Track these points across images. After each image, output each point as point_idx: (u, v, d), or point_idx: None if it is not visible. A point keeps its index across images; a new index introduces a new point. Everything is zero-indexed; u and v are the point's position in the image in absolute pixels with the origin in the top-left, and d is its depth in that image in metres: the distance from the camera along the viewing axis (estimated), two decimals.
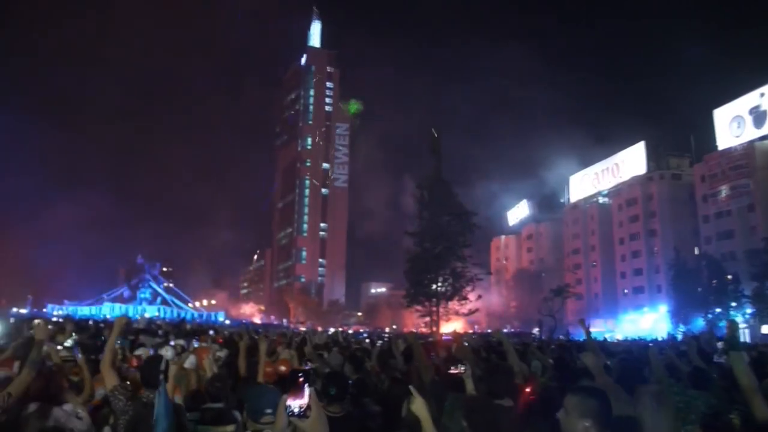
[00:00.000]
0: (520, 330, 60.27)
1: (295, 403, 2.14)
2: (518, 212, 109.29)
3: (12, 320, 18.59)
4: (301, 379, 2.18)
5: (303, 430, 2.18)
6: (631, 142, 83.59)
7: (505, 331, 56.18)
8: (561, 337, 33.29)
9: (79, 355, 6.27)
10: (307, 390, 2.16)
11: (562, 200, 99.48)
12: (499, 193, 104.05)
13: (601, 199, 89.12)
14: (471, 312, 52.16)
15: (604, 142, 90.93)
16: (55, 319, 30.94)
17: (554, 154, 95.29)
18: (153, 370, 4.70)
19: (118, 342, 6.76)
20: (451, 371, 4.28)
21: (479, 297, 52.49)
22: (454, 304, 51.59)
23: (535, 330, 49.37)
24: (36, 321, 7.50)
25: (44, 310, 69.36)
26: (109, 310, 74.46)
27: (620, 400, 3.43)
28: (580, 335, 33.40)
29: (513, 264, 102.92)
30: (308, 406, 2.14)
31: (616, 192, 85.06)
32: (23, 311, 62.59)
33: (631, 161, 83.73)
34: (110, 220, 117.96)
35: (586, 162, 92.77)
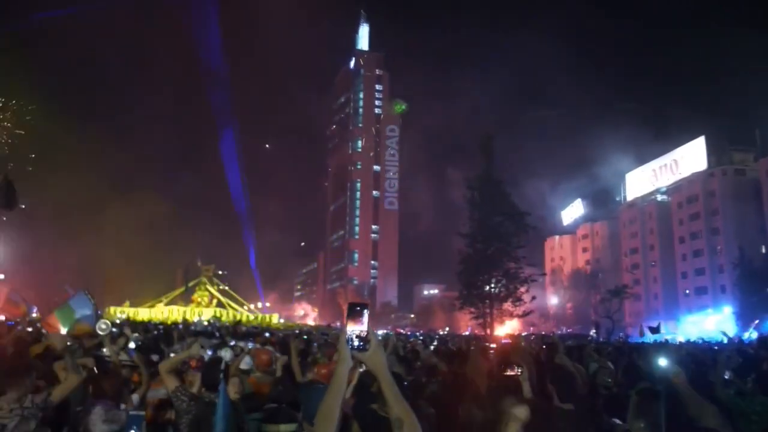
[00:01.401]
0: (577, 332, 59.00)
1: (355, 330, 2.14)
2: (572, 211, 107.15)
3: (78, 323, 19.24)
4: (358, 310, 2.18)
5: (363, 361, 2.19)
6: (690, 136, 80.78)
7: (560, 332, 55.30)
8: (619, 338, 32.40)
9: (134, 354, 6.45)
10: (366, 318, 2.16)
11: (618, 198, 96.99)
12: (552, 192, 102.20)
13: (659, 197, 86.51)
14: (525, 314, 51.41)
15: (662, 138, 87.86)
16: (118, 321, 31.98)
17: (608, 151, 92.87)
18: (213, 371, 4.80)
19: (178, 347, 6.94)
20: (507, 373, 4.19)
21: (533, 298, 51.66)
22: (508, 306, 50.93)
23: (592, 332, 48.16)
24: (55, 333, 7.75)
25: (104, 312, 71.72)
26: (167, 313, 76.48)
27: (694, 404, 3.28)
28: (638, 337, 32.46)
29: (568, 264, 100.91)
30: (367, 339, 2.15)
31: (675, 189, 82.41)
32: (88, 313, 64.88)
33: (690, 157, 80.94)
34: (167, 222, 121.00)
35: (643, 158, 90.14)
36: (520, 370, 4.14)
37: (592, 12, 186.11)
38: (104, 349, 6.81)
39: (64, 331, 9.06)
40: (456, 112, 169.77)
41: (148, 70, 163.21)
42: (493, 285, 51.35)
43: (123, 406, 5.20)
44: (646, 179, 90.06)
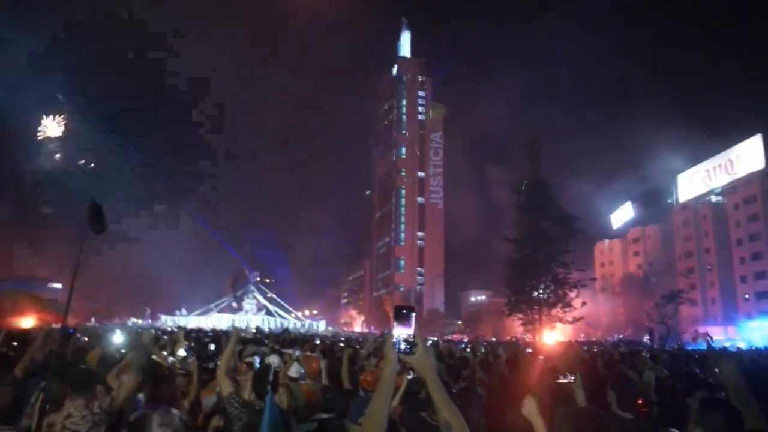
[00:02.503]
0: (630, 338, 57.47)
1: (402, 334, 2.13)
2: (622, 214, 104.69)
3: (132, 331, 19.87)
4: (405, 313, 2.17)
5: (410, 364, 2.17)
6: (745, 135, 77.98)
7: (612, 339, 54.01)
8: (675, 345, 31.42)
9: (191, 359, 6.55)
10: (413, 322, 2.14)
11: (669, 200, 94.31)
12: (601, 195, 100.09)
13: (714, 198, 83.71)
14: (576, 320, 50.46)
15: (715, 136, 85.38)
16: (168, 329, 32.73)
17: (658, 152, 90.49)
18: (263, 378, 4.84)
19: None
20: (560, 381, 4.08)
21: (584, 304, 50.62)
22: (557, 312, 50.10)
23: (646, 338, 46.85)
24: (143, 331, 7.92)
25: (159, 321, 73.69)
26: (216, 320, 78.06)
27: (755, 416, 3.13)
28: (692, 343, 31.41)
29: (619, 269, 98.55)
30: (414, 342, 2.13)
31: (731, 190, 79.61)
32: (140, 321, 66.98)
33: (747, 156, 78.09)
34: (217, 233, 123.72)
35: (695, 158, 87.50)
36: (572, 378, 4.03)
37: (639, 6, 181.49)
38: (153, 357, 6.96)
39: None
40: (500, 115, 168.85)
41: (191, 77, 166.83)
42: (541, 291, 50.64)
43: (176, 411, 5.29)
44: (699, 180, 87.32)
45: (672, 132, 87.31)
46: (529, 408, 2.89)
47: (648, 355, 12.36)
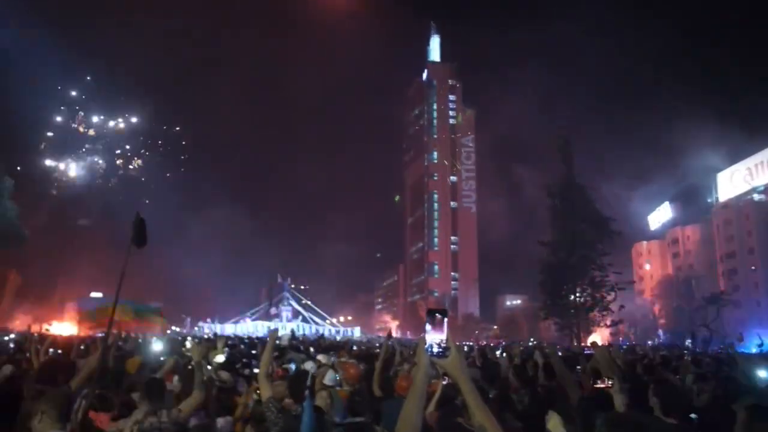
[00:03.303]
0: (670, 342, 56.25)
1: (435, 338, 2.13)
2: (660, 215, 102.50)
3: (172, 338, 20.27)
4: (438, 317, 2.17)
5: (443, 367, 2.17)
6: None
7: (652, 343, 52.91)
8: (723, 347, 30.53)
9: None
10: (445, 327, 2.14)
11: (709, 200, 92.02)
12: (637, 196, 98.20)
13: (756, 197, 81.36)
14: (614, 323, 49.61)
15: (755, 133, 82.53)
16: (206, 336, 33.19)
17: (696, 150, 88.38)
18: (300, 384, 4.88)
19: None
20: (598, 385, 4.03)
21: (622, 307, 49.76)
22: (594, 315, 49.35)
23: (688, 342, 45.74)
24: (189, 342, 8.06)
25: (196, 328, 74.83)
26: (252, 327, 78.86)
27: None
28: (744, 347, 30.49)
29: (657, 271, 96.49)
30: (447, 346, 2.13)
31: None
32: (178, 329, 68.16)
33: None
34: (249, 240, 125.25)
35: (734, 156, 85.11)
36: (611, 382, 3.96)
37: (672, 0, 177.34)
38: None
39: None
40: (531, 116, 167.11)
41: (225, 83, 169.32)
42: (578, 294, 49.93)
43: (220, 420, 5.39)
44: (740, 178, 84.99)
45: (710, 129, 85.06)
46: (554, 424, 2.87)
47: (690, 359, 12.10)
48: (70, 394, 4.14)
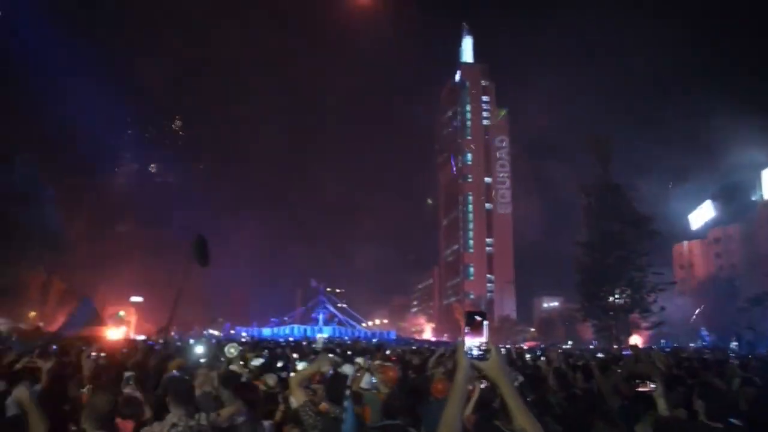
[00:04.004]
0: (714, 344, 54.81)
1: (474, 342, 2.11)
2: (702, 214, 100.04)
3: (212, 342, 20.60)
4: (478, 319, 2.14)
5: (483, 370, 2.14)
6: None
7: (695, 345, 51.64)
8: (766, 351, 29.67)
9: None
10: (485, 329, 2.12)
11: (753, 198, 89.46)
12: (677, 194, 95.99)
13: None
14: (655, 325, 48.58)
15: None
16: (243, 340, 33.64)
17: (739, 147, 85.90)
18: (338, 386, 4.90)
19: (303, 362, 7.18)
20: (639, 389, 3.94)
21: (662, 309, 48.68)
22: (634, 317, 48.40)
23: (733, 344, 44.47)
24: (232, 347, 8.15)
25: (232, 332, 75.79)
26: (289, 331, 79.56)
27: None
28: None
29: (700, 271, 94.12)
30: (487, 348, 2.10)
31: None
32: (216, 333, 69.18)
33: None
34: (284, 244, 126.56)
35: None
36: (653, 386, 3.87)
37: None
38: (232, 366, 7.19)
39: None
40: (566, 115, 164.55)
41: (255, 88, 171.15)
42: (617, 295, 49.05)
43: (267, 423, 5.44)
44: None
45: (753, 124, 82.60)
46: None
47: (737, 362, 11.77)
48: (114, 399, 4.22)
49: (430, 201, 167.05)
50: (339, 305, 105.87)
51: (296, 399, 4.53)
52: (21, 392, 3.82)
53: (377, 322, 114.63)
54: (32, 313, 53.60)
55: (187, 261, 4.45)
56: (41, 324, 46.78)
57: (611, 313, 49.21)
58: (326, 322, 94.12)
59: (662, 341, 62.00)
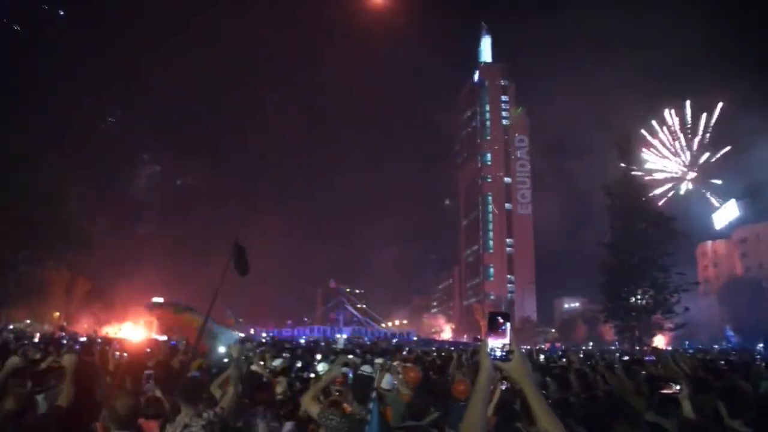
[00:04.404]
0: (740, 346, 53.97)
1: (497, 344, 2.09)
2: (726, 213, 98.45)
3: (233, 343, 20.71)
4: (500, 321, 2.12)
5: (507, 372, 2.12)
6: None
7: (719, 347, 50.87)
8: None
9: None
10: (508, 331, 2.10)
11: None
12: (702, 193, 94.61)
13: None
14: (678, 326, 47.93)
15: None
16: (263, 340, 33.77)
17: (763, 144, 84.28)
18: (364, 386, 4.90)
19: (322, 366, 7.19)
20: (664, 391, 3.88)
21: (686, 309, 48.00)
22: (657, 318, 47.79)
23: (759, 345, 43.76)
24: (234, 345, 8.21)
25: (252, 332, 76.26)
26: (309, 332, 79.87)
27: None
28: None
29: (724, 272, 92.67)
30: (510, 349, 2.08)
31: None
32: (236, 333, 69.52)
33: None
34: (305, 245, 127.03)
35: None
36: (678, 388, 3.81)
37: None
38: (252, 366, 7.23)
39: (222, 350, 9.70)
40: (587, 114, 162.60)
41: (275, 90, 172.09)
42: (639, 296, 48.49)
43: (276, 424, 5.45)
44: None
45: None
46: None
47: (763, 365, 11.57)
48: (137, 401, 4.26)
49: (447, 202, 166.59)
50: (359, 306, 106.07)
51: (312, 411, 4.52)
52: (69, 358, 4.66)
53: (396, 322, 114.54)
54: (56, 313, 54.50)
55: (223, 271, 4.48)
56: (65, 323, 47.59)
57: (633, 314, 48.67)
58: (346, 323, 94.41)
59: (686, 342, 61.18)
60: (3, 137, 46.34)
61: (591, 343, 73.65)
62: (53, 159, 46.37)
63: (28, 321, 53.00)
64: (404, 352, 15.83)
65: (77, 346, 12.93)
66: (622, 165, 52.24)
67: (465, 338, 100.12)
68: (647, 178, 53.80)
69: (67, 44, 74.31)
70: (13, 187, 40.73)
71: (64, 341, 19.71)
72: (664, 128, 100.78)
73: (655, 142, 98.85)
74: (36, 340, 19.19)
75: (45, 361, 7.29)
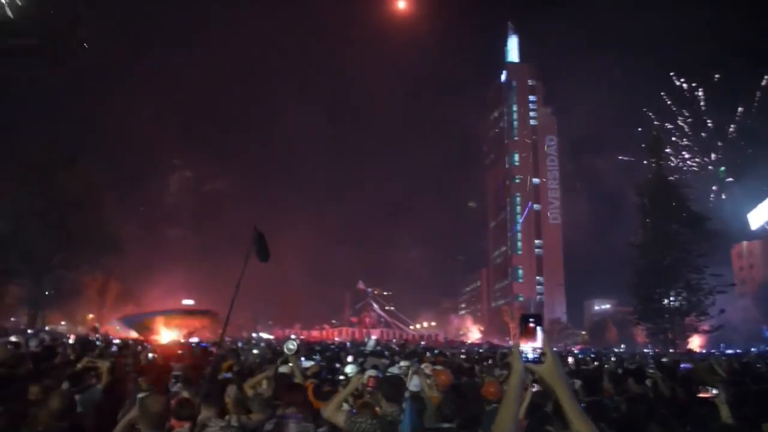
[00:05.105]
0: None
1: (528, 347, 2.07)
2: (762, 213, 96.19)
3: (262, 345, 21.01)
4: (532, 324, 2.10)
5: (539, 375, 2.09)
6: None
7: (756, 350, 49.61)
8: None
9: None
10: (540, 334, 2.08)
11: None
12: (737, 192, 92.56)
13: None
14: (714, 328, 46.94)
15: None
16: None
17: None
18: (395, 387, 4.89)
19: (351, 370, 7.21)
20: (701, 395, 3.79)
21: (721, 311, 47.00)
22: (691, 320, 46.89)
23: None
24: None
25: (281, 335, 76.83)
26: (337, 334, 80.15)
27: None
28: None
29: (760, 273, 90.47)
30: (542, 352, 2.06)
31: None
32: (266, 335, 70.27)
33: None
34: (332, 246, 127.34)
35: None
36: (715, 392, 3.71)
37: None
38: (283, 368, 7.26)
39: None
40: (617, 114, 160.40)
41: (300, 93, 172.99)
42: (672, 298, 47.63)
43: (308, 424, 5.47)
44: None
45: None
46: None
47: None
48: (168, 401, 4.31)
49: (472, 204, 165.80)
50: (387, 308, 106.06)
51: (338, 421, 4.48)
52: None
53: (425, 324, 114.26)
54: (90, 315, 55.62)
55: (245, 256, 4.51)
56: (97, 325, 48.61)
57: (666, 316, 47.82)
58: (374, 325, 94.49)
59: (721, 345, 59.85)
60: (40, 145, 47.66)
61: (623, 346, 72.57)
62: (88, 166, 47.39)
63: (63, 323, 54.26)
64: (428, 354, 15.76)
65: (114, 348, 13.18)
66: (653, 164, 51.45)
67: (496, 341, 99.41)
68: (680, 177, 52.79)
69: (98, 52, 75.77)
70: (50, 193, 41.73)
71: (98, 343, 20.12)
72: (695, 126, 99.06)
73: (687, 141, 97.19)
74: (71, 341, 19.58)
75: (81, 361, 7.44)
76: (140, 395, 4.41)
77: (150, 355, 10.44)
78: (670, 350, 43.93)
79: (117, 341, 22.87)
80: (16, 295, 46.15)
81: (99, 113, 73.87)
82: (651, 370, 8.73)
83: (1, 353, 8.92)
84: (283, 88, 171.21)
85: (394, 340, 58.95)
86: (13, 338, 14.88)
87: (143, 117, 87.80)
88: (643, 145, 55.17)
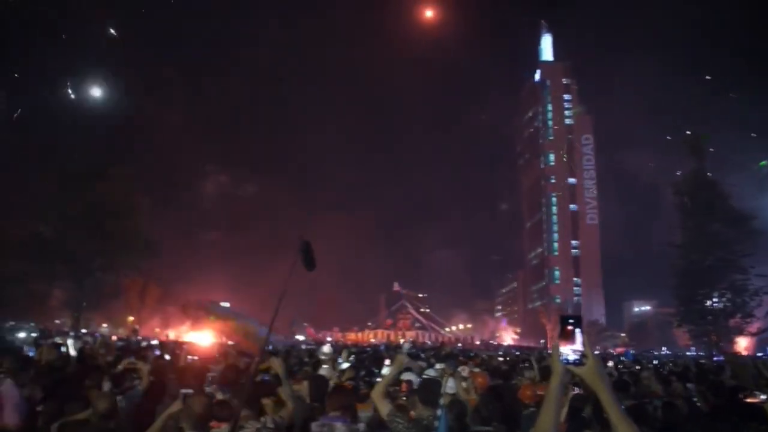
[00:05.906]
0: None
1: (567, 350, 2.04)
2: None
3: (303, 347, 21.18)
4: (570, 325, 2.06)
5: (580, 376, 2.06)
6: None
7: None
8: None
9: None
10: (579, 336, 2.05)
11: None
12: None
13: None
14: (761, 331, 45.58)
15: None
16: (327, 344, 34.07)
17: None
18: (431, 389, 4.87)
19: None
20: (748, 400, 3.66)
21: None
22: (736, 322, 45.59)
23: None
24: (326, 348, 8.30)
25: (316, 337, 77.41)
26: (372, 336, 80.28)
27: None
28: None
29: None
30: (583, 354, 2.03)
31: None
32: (302, 337, 70.96)
33: None
34: (367, 247, 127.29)
35: None
36: (764, 397, 3.57)
37: None
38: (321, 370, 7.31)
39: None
40: (654, 111, 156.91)
41: (326, 91, 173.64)
42: (716, 299, 46.39)
43: (360, 426, 5.48)
44: None
45: None
46: None
47: None
48: (210, 402, 4.37)
49: (504, 206, 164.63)
50: (422, 310, 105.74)
51: (381, 410, 4.48)
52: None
53: (460, 326, 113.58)
54: (130, 318, 56.89)
55: (292, 266, 4.57)
56: (137, 327, 49.70)
57: (709, 317, 46.61)
58: (409, 327, 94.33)
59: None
60: (77, 153, 49.06)
61: (664, 348, 71.04)
62: (125, 173, 48.43)
63: (105, 325, 55.62)
64: (461, 357, 15.66)
65: (157, 351, 13.47)
66: (693, 163, 50.24)
67: (532, 343, 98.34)
68: (721, 174, 51.31)
69: (132, 59, 77.28)
70: (89, 200, 42.84)
71: (142, 344, 20.62)
72: (733, 124, 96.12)
73: (726, 137, 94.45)
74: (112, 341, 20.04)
75: (122, 362, 7.60)
76: (184, 391, 4.47)
77: (189, 357, 10.61)
78: (713, 353, 42.83)
79: (154, 342, 23.36)
80: (60, 298, 47.53)
81: (137, 121, 75.44)
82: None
83: (49, 354, 9.24)
84: (316, 93, 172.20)
85: (428, 343, 58.82)
86: (57, 340, 15.31)
87: (178, 124, 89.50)
88: (681, 142, 53.75)
